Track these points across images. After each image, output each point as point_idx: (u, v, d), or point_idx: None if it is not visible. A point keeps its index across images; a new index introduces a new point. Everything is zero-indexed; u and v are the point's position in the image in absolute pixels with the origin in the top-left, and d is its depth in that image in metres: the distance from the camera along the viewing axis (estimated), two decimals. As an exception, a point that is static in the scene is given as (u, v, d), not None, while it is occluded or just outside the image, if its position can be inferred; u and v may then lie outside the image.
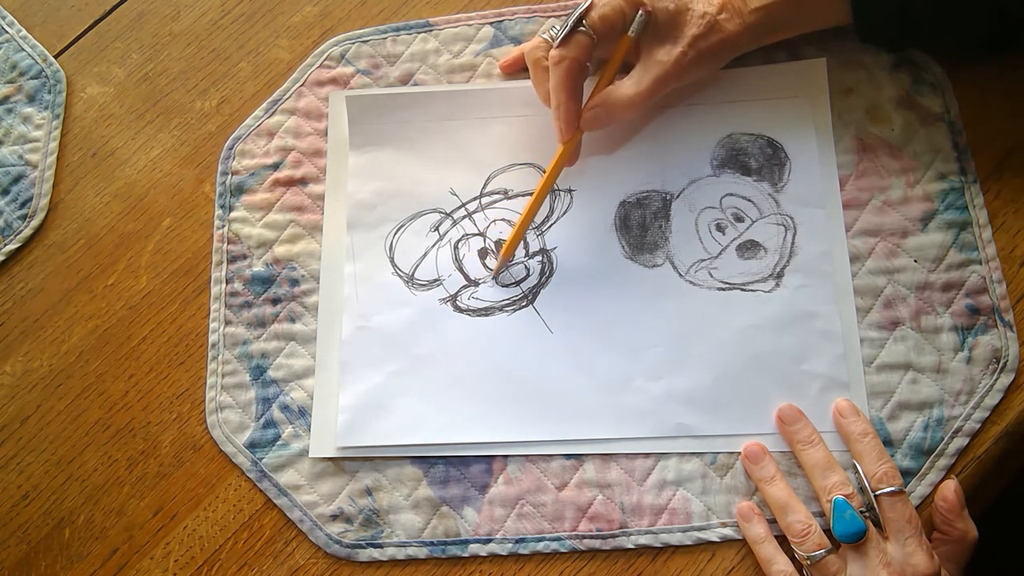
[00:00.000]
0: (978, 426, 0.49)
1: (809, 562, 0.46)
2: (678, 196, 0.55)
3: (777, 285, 0.53)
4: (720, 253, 0.54)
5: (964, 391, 0.50)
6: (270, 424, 0.53)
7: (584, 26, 0.50)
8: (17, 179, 0.61)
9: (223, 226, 0.58)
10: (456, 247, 0.56)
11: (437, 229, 0.56)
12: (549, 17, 0.61)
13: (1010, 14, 0.50)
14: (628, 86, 0.52)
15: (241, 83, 0.63)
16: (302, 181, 0.59)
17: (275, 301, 0.56)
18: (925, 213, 0.53)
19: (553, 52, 0.51)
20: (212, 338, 0.56)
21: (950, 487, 0.48)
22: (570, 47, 0.50)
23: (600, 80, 0.53)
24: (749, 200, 0.55)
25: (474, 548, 0.50)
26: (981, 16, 0.51)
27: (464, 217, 0.57)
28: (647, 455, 0.51)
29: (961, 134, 0.54)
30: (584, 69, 0.51)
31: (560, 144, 0.53)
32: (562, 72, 0.50)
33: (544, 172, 0.57)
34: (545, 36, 0.52)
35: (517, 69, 0.59)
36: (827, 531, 0.47)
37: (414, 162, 0.58)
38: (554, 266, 0.55)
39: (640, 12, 0.51)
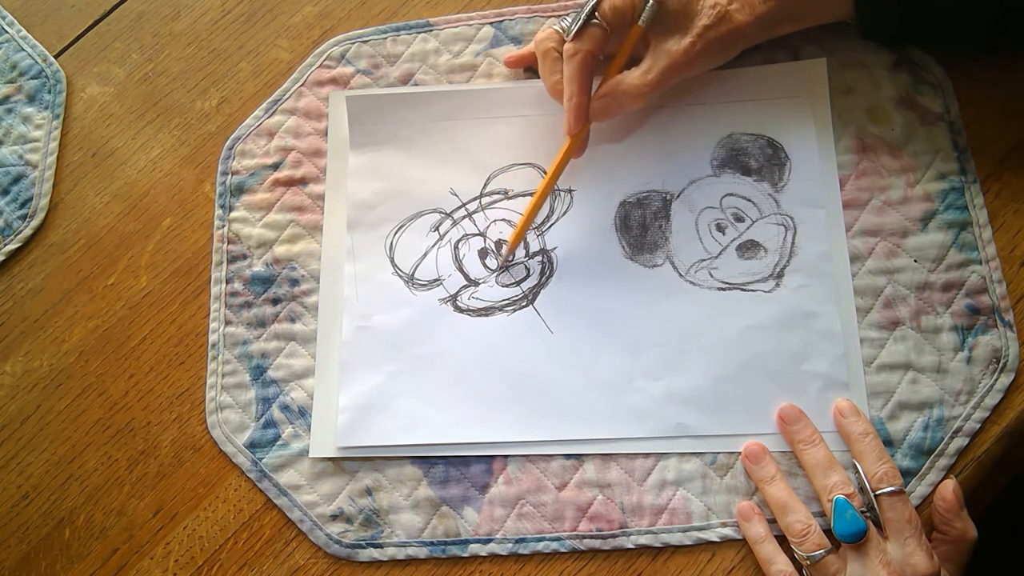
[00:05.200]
0: (978, 426, 0.49)
1: (809, 562, 0.46)
2: (678, 196, 0.55)
3: (777, 285, 0.53)
4: (720, 253, 0.54)
5: (964, 391, 0.50)
6: (270, 424, 0.53)
7: (597, 18, 0.50)
8: (17, 179, 0.61)
9: (223, 226, 0.58)
10: (456, 247, 0.56)
11: (437, 229, 0.56)
12: (549, 17, 0.61)
13: (1011, 8, 0.50)
14: (636, 76, 0.52)
15: (241, 83, 0.63)
16: (302, 181, 0.59)
17: (275, 301, 0.56)
18: (925, 213, 0.53)
19: (568, 45, 0.51)
20: (212, 338, 0.56)
21: (949, 487, 0.48)
22: (584, 40, 0.50)
23: (609, 70, 0.53)
24: (749, 200, 0.55)
25: (474, 548, 0.50)
26: (981, 11, 0.50)
27: (464, 217, 0.57)
28: (647, 455, 0.51)
29: (961, 134, 0.54)
30: (597, 61, 0.51)
31: (567, 136, 0.53)
32: (576, 65, 0.50)
33: (545, 171, 0.57)
34: (556, 27, 0.52)
35: (522, 66, 0.59)
36: (827, 531, 0.47)
37: (414, 162, 0.58)
38: (554, 266, 0.55)
39: (651, 1, 0.51)
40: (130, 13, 0.66)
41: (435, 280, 0.55)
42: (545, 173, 0.57)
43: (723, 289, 0.53)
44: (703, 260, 0.54)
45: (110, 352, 0.57)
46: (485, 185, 0.57)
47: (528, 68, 0.59)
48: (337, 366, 0.54)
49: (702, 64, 0.52)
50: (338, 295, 0.55)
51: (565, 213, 0.56)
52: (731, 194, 0.55)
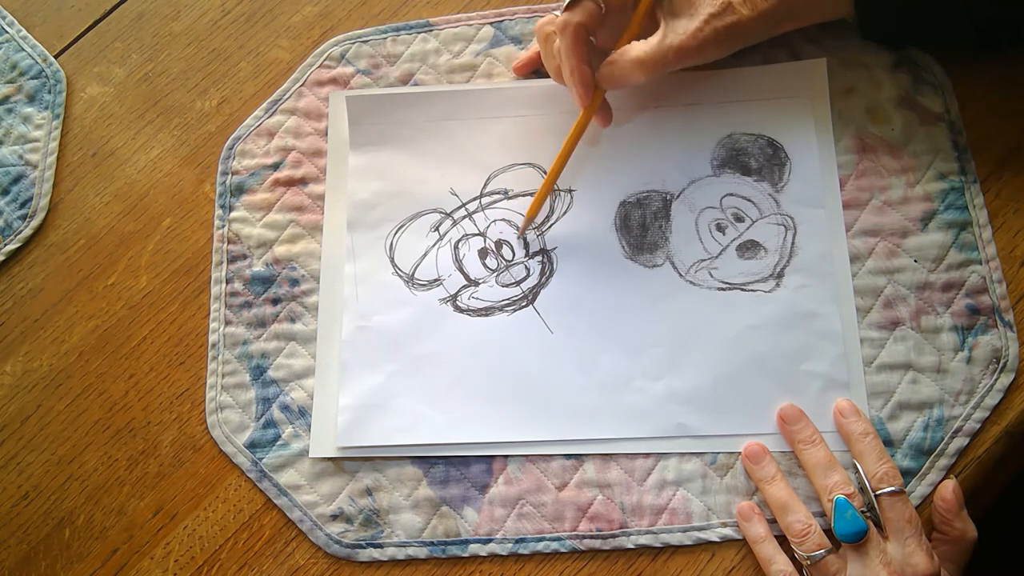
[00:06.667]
0: (978, 426, 0.49)
1: (809, 562, 0.46)
2: (678, 196, 0.55)
3: (777, 285, 0.53)
4: (720, 253, 0.54)
5: (964, 391, 0.50)
6: (270, 424, 0.53)
7: None
8: (17, 179, 0.61)
9: (223, 226, 0.58)
10: (456, 247, 0.56)
11: (437, 229, 0.56)
12: (549, 17, 0.61)
13: (1010, 7, 0.50)
14: (644, 48, 0.51)
15: (241, 83, 0.63)
16: (302, 181, 0.59)
17: (275, 301, 0.56)
18: (925, 213, 0.53)
19: (560, 18, 0.51)
20: (212, 338, 0.56)
21: (948, 487, 0.48)
22: (576, 12, 0.50)
23: (619, 41, 0.52)
24: (749, 200, 0.55)
25: (474, 548, 0.50)
26: (981, 11, 0.50)
27: (464, 217, 0.57)
28: (647, 455, 0.51)
29: (961, 134, 0.54)
30: (589, 36, 0.51)
31: (580, 108, 0.52)
32: (568, 37, 0.50)
33: (544, 171, 0.57)
34: (555, 12, 0.52)
35: (529, 70, 0.59)
36: (827, 531, 0.47)
37: (414, 162, 0.58)
38: (554, 266, 0.55)
39: None
40: (130, 13, 0.66)
41: (435, 280, 0.55)
42: (545, 173, 0.57)
43: (723, 289, 0.53)
44: (703, 260, 0.54)
45: (110, 352, 0.57)
46: (485, 185, 0.57)
47: (535, 71, 0.59)
48: (337, 366, 0.54)
49: (706, 52, 0.52)
50: (338, 295, 0.55)
51: (565, 213, 0.56)
52: (731, 194, 0.55)
